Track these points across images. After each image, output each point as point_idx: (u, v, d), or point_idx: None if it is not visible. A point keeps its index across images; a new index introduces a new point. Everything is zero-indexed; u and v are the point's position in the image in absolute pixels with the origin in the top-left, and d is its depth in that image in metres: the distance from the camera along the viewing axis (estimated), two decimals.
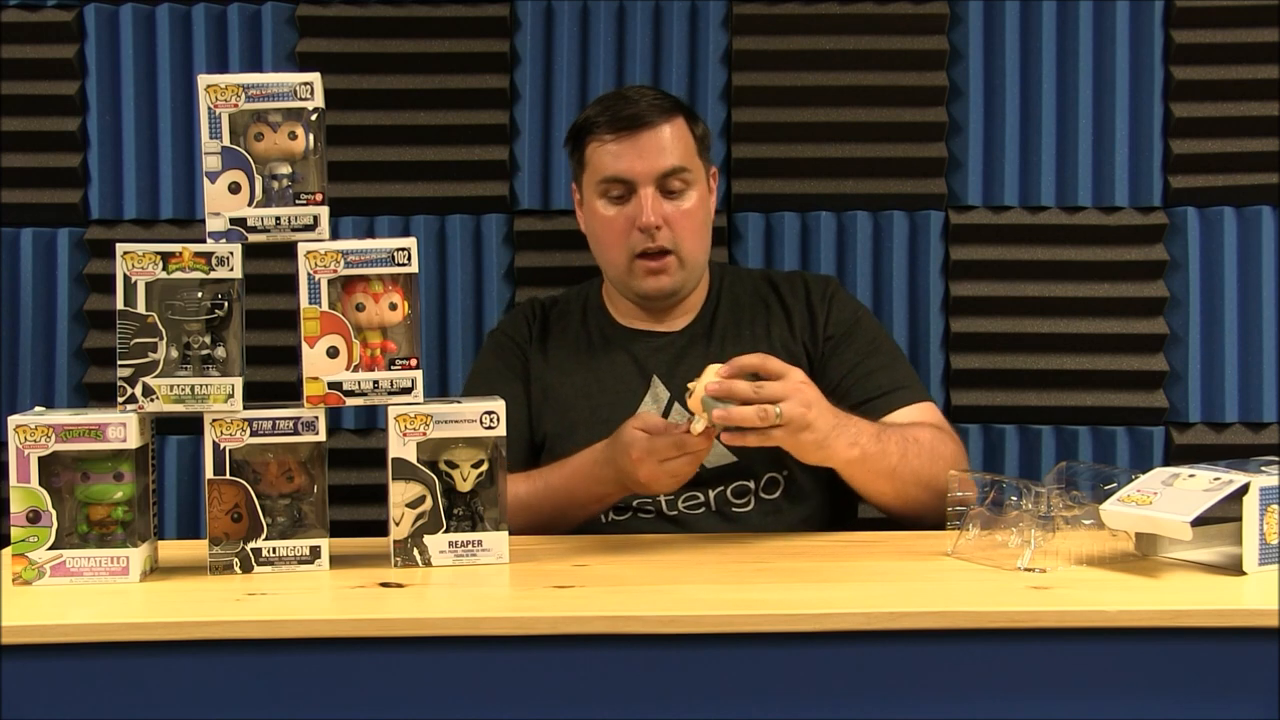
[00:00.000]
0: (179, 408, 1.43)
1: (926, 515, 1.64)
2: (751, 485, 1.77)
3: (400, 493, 1.45)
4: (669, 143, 1.81)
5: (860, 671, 1.21)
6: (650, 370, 1.84)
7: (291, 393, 1.50)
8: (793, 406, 1.47)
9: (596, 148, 1.83)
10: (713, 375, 1.49)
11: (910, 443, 1.64)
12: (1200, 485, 1.38)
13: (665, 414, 1.80)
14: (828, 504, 1.79)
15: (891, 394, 1.78)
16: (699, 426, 1.49)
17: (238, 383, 1.43)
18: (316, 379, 1.44)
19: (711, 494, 1.77)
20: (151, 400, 1.42)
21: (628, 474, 1.59)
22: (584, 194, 1.88)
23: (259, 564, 1.43)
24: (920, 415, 1.77)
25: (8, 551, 1.42)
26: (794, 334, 1.85)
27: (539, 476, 1.74)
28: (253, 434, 1.43)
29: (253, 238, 1.45)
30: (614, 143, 1.80)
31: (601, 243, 1.85)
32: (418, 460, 1.44)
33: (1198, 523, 1.33)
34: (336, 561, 1.45)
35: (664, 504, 1.77)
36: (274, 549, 1.43)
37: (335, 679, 1.20)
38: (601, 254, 1.87)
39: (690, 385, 1.51)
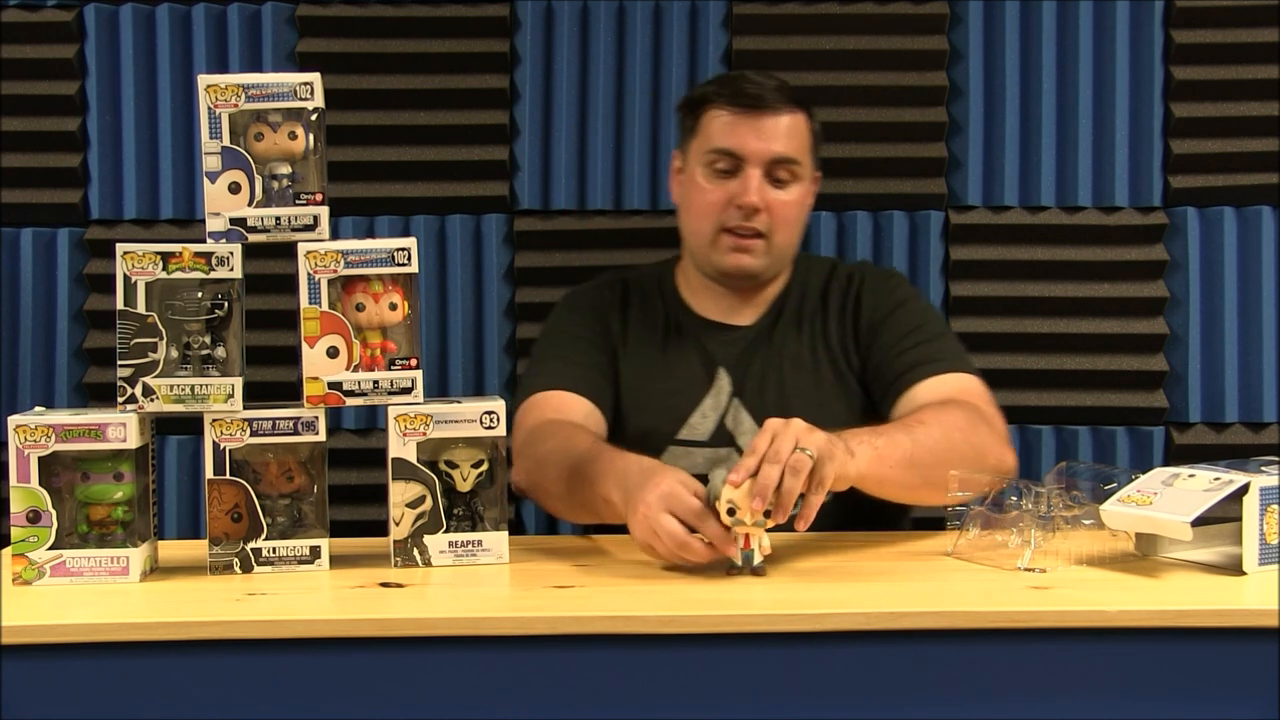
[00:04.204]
0: (179, 408, 1.42)
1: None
2: None
3: (400, 493, 1.45)
4: (786, 130, 1.77)
5: (860, 671, 1.21)
6: (718, 363, 1.81)
7: (291, 393, 1.50)
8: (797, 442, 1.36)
9: (714, 116, 1.78)
10: (721, 482, 1.35)
11: (915, 426, 1.54)
12: (1200, 485, 1.38)
13: (724, 412, 1.77)
14: (832, 512, 1.61)
15: (917, 368, 1.71)
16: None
17: (238, 383, 1.43)
18: (316, 379, 1.44)
19: None
20: (151, 400, 1.42)
21: (632, 494, 1.43)
22: (687, 161, 1.83)
23: (259, 564, 1.43)
24: (946, 387, 1.68)
25: (8, 551, 1.42)
26: (845, 327, 1.82)
27: (576, 445, 1.60)
28: (253, 434, 1.43)
29: (253, 238, 1.45)
30: (733, 116, 1.76)
31: (694, 212, 1.81)
32: (418, 460, 1.44)
33: (1198, 523, 1.33)
34: (336, 561, 1.45)
35: None
36: (274, 549, 1.43)
37: (335, 679, 1.20)
38: (690, 224, 1.83)
39: (721, 504, 1.35)
